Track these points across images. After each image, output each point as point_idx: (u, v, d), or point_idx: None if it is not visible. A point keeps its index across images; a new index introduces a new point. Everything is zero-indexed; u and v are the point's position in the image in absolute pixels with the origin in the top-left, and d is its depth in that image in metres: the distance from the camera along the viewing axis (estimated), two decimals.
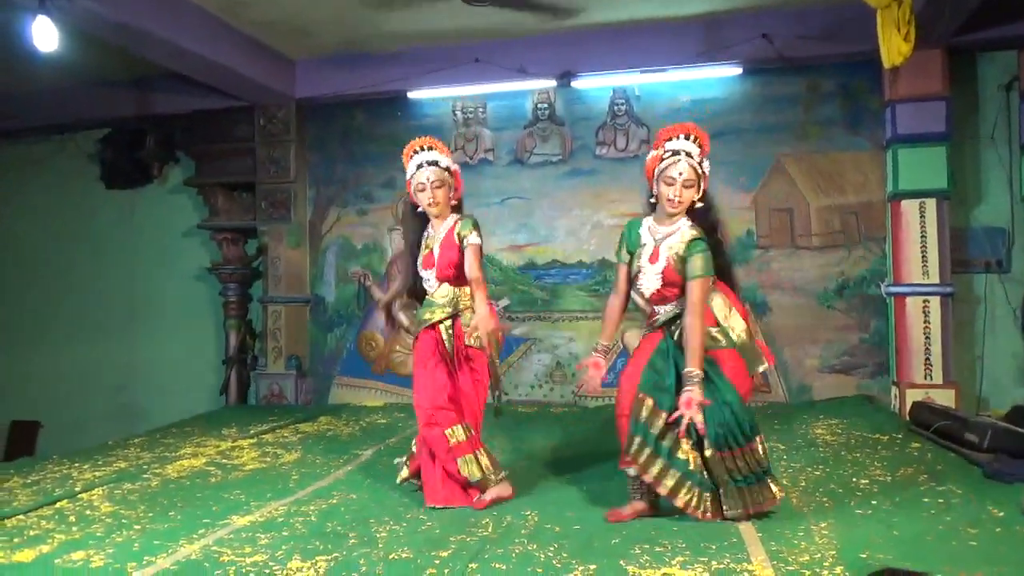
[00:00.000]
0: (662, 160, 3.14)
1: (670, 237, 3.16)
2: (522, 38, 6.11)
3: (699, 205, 3.18)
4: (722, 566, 2.55)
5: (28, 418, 7.61)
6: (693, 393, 2.95)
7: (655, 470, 3.02)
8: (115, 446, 4.90)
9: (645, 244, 3.22)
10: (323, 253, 6.94)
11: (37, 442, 7.48)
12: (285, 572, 2.57)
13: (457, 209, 3.62)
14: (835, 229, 5.86)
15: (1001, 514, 3.03)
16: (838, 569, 2.49)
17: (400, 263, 3.73)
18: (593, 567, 2.56)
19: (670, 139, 3.16)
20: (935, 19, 4.79)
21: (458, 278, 3.51)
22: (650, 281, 3.17)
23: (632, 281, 3.28)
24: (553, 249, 6.41)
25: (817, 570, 2.50)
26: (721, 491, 3.02)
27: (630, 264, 3.27)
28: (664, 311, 3.22)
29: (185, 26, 5.28)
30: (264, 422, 5.61)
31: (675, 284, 3.14)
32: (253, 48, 6.08)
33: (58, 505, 3.48)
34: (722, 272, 3.26)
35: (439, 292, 3.55)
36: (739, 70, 5.90)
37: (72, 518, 3.27)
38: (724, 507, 3.01)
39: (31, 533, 3.06)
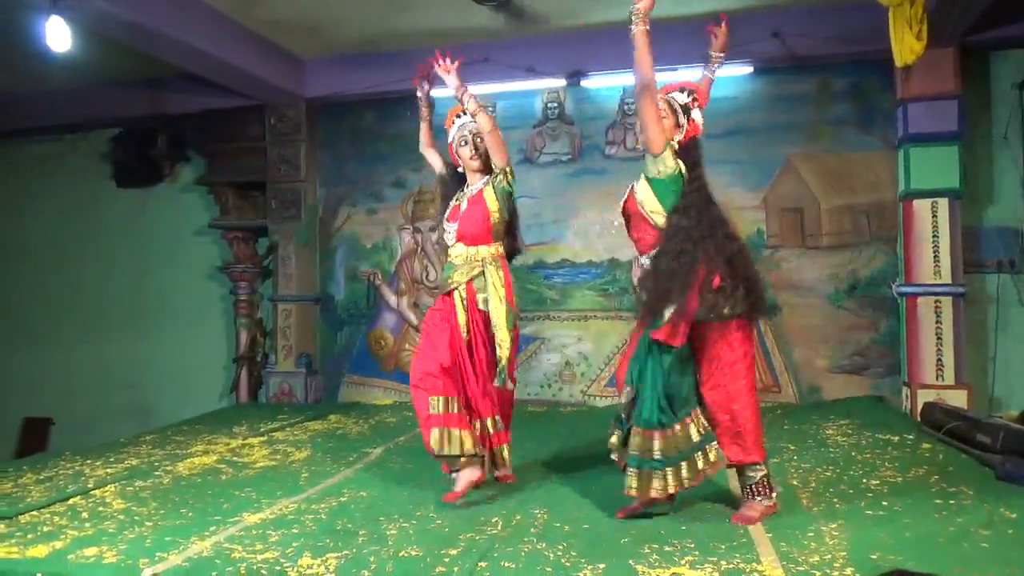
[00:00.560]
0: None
1: (646, 171, 3.11)
2: (531, 37, 6.11)
3: (676, 140, 3.17)
4: (732, 566, 2.54)
5: (40, 414, 7.67)
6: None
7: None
8: (127, 443, 4.93)
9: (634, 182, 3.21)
10: (333, 252, 6.97)
11: (49, 438, 7.54)
12: (296, 569, 2.58)
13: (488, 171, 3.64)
14: (846, 229, 5.84)
15: (1013, 516, 3.01)
16: (848, 570, 2.48)
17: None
18: (602, 566, 2.56)
19: (667, 93, 3.29)
20: (947, 18, 4.76)
21: (475, 236, 3.51)
22: (620, 211, 3.23)
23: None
24: (563, 248, 6.41)
25: (827, 571, 2.49)
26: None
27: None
28: (641, 262, 3.15)
29: (196, 26, 5.31)
30: (274, 420, 5.63)
31: (636, 217, 3.12)
32: (264, 48, 6.10)
33: (71, 501, 3.50)
34: (696, 210, 3.05)
35: (455, 250, 3.56)
36: (750, 69, 5.88)
37: (85, 514, 3.29)
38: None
39: (44, 529, 3.09)
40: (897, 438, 4.47)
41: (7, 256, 7.97)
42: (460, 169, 3.68)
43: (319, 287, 6.99)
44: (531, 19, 5.74)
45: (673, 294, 2.94)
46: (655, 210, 3.07)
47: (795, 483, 3.61)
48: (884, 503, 3.26)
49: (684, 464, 3.00)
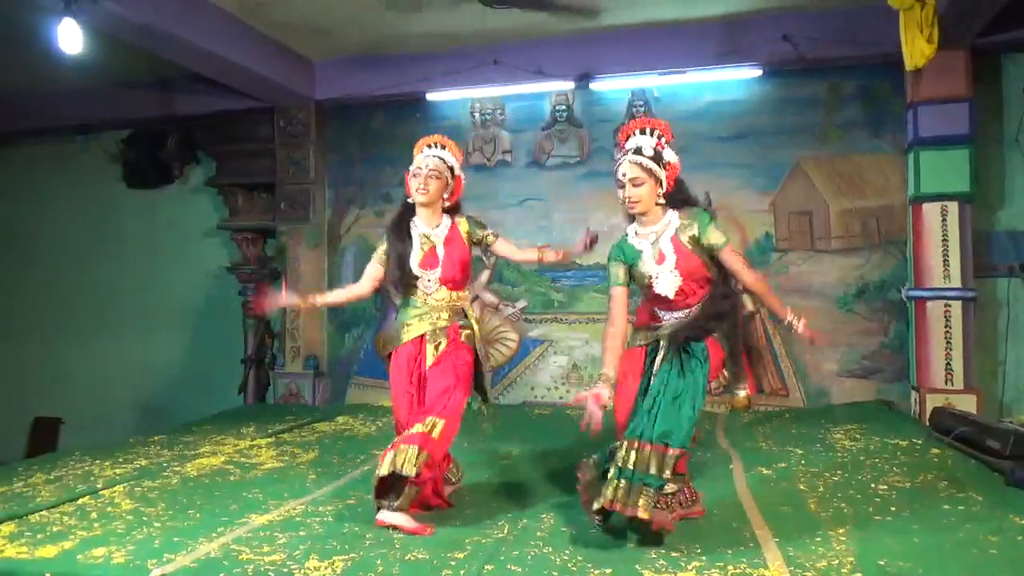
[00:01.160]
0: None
1: (666, 231, 3.02)
2: (540, 39, 6.12)
3: (660, 193, 2.99)
4: (739, 571, 2.54)
5: (50, 414, 7.72)
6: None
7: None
8: (136, 443, 4.95)
9: (642, 251, 3.05)
10: (341, 254, 6.98)
11: (59, 438, 7.58)
12: (303, 571, 2.59)
13: (452, 213, 3.47)
14: (855, 232, 5.81)
15: (1023, 522, 2.99)
16: None
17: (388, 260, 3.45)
18: (609, 571, 2.56)
19: (627, 137, 3.07)
20: (959, 20, 4.73)
21: (458, 282, 3.39)
22: (668, 282, 2.99)
23: (644, 294, 3.13)
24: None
25: None
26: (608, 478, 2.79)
27: (629, 284, 3.10)
28: (673, 319, 3.06)
29: (206, 28, 5.34)
30: (282, 421, 5.65)
31: (696, 274, 3.00)
32: (273, 50, 6.13)
33: (80, 502, 3.52)
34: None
35: (437, 296, 3.38)
36: (759, 72, 5.87)
37: (94, 515, 3.31)
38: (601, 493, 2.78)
39: (54, 529, 3.11)
40: (906, 443, 4.45)
41: (18, 256, 8.03)
42: (410, 200, 3.43)
43: (328, 288, 6.99)
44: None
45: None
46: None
47: (803, 488, 3.60)
48: (892, 508, 3.24)
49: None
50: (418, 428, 3.08)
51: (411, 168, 3.41)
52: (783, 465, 4.04)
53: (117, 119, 7.33)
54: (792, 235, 5.93)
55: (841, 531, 2.94)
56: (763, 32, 5.65)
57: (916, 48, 4.26)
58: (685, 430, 2.80)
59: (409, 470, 2.97)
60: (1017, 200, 5.57)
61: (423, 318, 3.37)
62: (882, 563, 2.58)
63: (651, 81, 6.13)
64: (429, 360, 3.32)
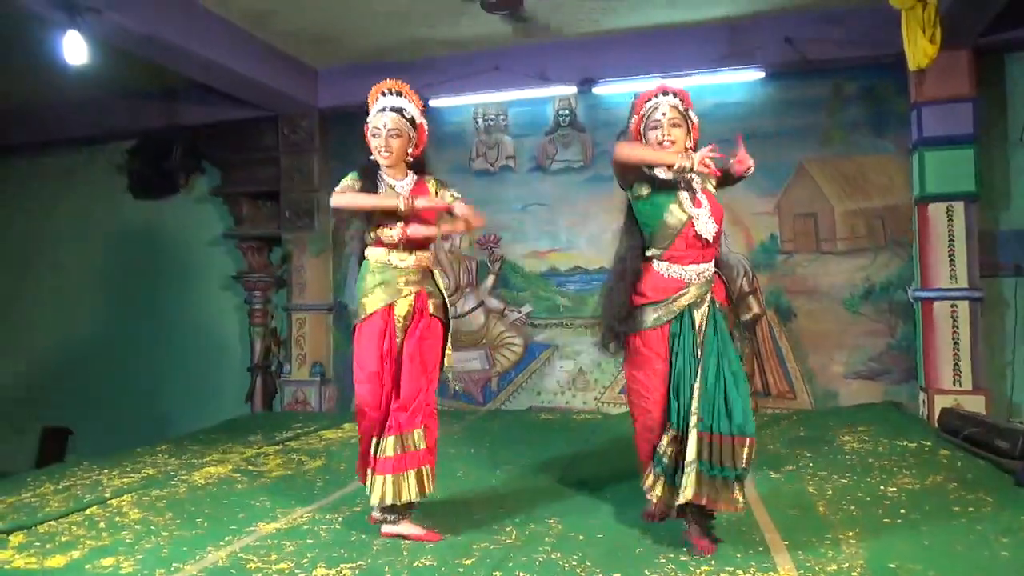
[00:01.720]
0: (643, 116, 3.06)
1: (694, 180, 3.00)
2: (543, 45, 6.13)
3: (688, 146, 3.01)
4: (748, 575, 2.53)
5: (59, 424, 7.74)
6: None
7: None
8: (143, 452, 4.96)
9: (675, 191, 2.96)
10: (346, 261, 6.99)
11: (68, 448, 7.60)
12: None
13: (418, 169, 3.27)
14: (860, 233, 5.80)
15: None
16: None
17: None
18: (618, 575, 2.55)
19: (648, 100, 3.08)
20: (961, 19, 4.72)
21: (423, 241, 3.15)
22: (708, 225, 2.94)
23: (670, 238, 2.96)
24: (575, 255, 6.41)
25: None
26: (685, 471, 2.76)
27: (659, 220, 2.96)
28: (698, 276, 2.94)
29: (210, 38, 5.37)
30: (289, 429, 5.65)
31: (720, 224, 3.00)
32: (277, 58, 6.16)
33: (88, 511, 3.53)
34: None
35: (397, 256, 3.13)
36: (762, 74, 5.86)
37: (102, 524, 3.32)
38: (681, 488, 2.76)
39: (62, 539, 3.11)
40: (914, 444, 4.43)
41: (25, 267, 8.06)
42: (372, 158, 3.22)
43: (333, 296, 7.02)
44: (542, 27, 5.75)
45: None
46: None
47: (811, 491, 3.59)
48: (902, 511, 3.23)
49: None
50: (410, 445, 2.98)
51: (369, 125, 3.20)
52: (791, 468, 4.02)
53: (122, 130, 7.37)
54: (797, 237, 5.92)
55: (851, 534, 2.93)
56: (765, 34, 5.65)
57: (919, 48, 4.25)
58: (750, 411, 2.81)
59: (414, 497, 2.97)
60: (1022, 199, 5.54)
61: (387, 286, 3.11)
62: (893, 566, 2.57)
63: (654, 85, 6.11)
64: (399, 334, 3.10)
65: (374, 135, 3.17)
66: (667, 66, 5.94)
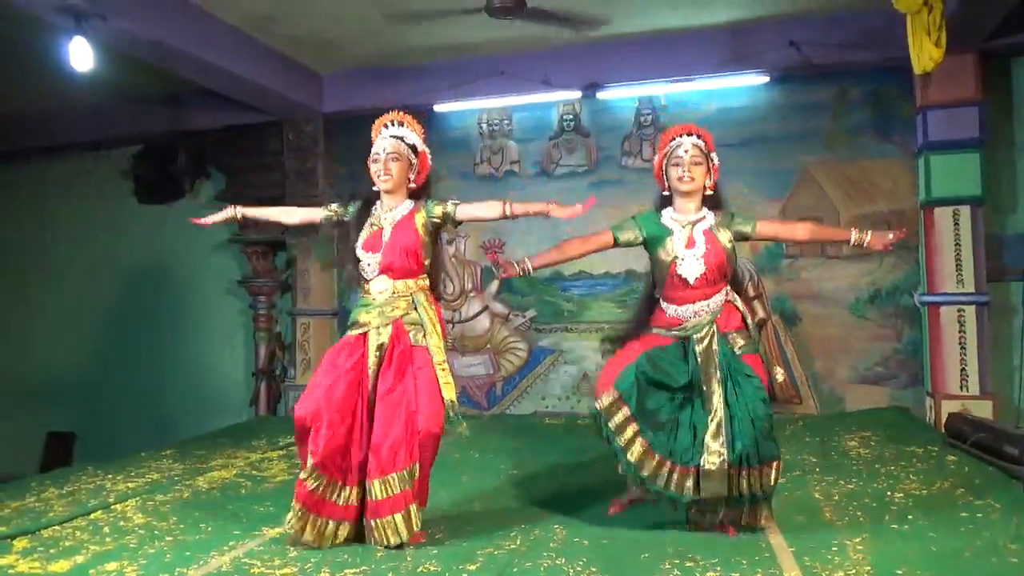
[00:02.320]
0: (666, 154, 3.23)
1: (700, 223, 3.18)
2: (547, 50, 6.13)
3: (708, 193, 3.21)
4: None
5: (64, 429, 7.74)
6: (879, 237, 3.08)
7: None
8: (147, 457, 4.96)
9: (673, 231, 3.19)
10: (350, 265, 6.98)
11: (73, 453, 7.61)
12: None
13: (418, 196, 3.26)
14: None
15: None
16: None
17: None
18: None
19: (673, 139, 3.23)
20: (967, 23, 4.71)
21: (404, 271, 3.13)
22: (692, 266, 3.12)
23: (662, 278, 3.21)
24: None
25: None
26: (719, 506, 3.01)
27: (617, 242, 3.29)
28: (695, 315, 3.16)
29: (215, 43, 5.39)
30: (293, 434, 5.62)
31: (720, 268, 3.13)
32: (281, 64, 6.17)
33: (92, 516, 3.53)
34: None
35: (376, 285, 3.13)
36: (766, 78, 5.86)
37: (106, 529, 3.31)
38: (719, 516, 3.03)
39: (66, 544, 3.11)
40: (921, 450, 4.41)
41: (30, 272, 8.08)
42: (375, 187, 3.24)
43: (337, 301, 7.02)
44: (546, 31, 5.75)
45: None
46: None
47: (818, 496, 3.56)
48: (909, 517, 3.20)
49: None
50: (394, 487, 2.91)
51: (371, 153, 3.22)
52: (797, 473, 4.00)
53: (128, 135, 7.41)
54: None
55: (857, 540, 2.91)
56: (769, 38, 5.64)
57: (924, 52, 4.23)
58: (773, 432, 3.02)
59: (402, 538, 2.93)
60: None
61: (368, 310, 3.13)
62: (900, 572, 2.55)
63: (658, 89, 6.13)
64: (371, 361, 3.07)
65: (374, 160, 3.22)
66: (671, 71, 5.95)
